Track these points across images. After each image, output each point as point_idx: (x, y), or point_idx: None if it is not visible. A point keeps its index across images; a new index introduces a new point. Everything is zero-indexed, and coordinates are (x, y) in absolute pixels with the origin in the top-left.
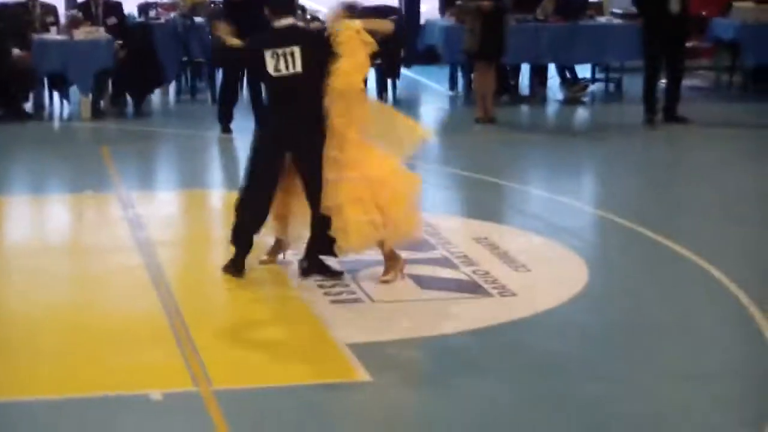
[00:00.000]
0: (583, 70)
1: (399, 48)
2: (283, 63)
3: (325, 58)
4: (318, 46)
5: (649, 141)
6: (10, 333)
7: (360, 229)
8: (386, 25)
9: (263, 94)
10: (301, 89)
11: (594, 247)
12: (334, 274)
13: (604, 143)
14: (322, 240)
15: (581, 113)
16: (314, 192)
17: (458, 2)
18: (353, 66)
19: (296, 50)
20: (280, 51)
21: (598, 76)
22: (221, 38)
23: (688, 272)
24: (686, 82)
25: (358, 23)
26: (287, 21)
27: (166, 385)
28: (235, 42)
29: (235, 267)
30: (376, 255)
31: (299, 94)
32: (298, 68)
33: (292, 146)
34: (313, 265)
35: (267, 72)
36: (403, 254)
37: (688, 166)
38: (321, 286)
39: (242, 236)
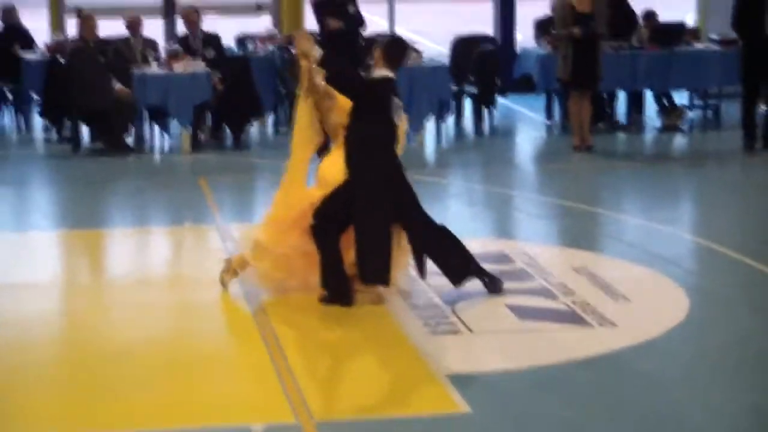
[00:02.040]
0: (681, 97)
1: (494, 77)
2: (397, 111)
3: None
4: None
5: (749, 167)
6: (110, 365)
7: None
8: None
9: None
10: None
11: (694, 276)
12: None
13: (702, 170)
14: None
15: (679, 140)
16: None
17: (552, 30)
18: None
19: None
20: (397, 101)
21: (695, 102)
22: (307, 53)
23: None
24: None
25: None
26: (391, 74)
27: (267, 418)
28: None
29: (340, 297)
30: (476, 286)
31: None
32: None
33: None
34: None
35: (393, 119)
36: (505, 285)
37: None
38: (420, 317)
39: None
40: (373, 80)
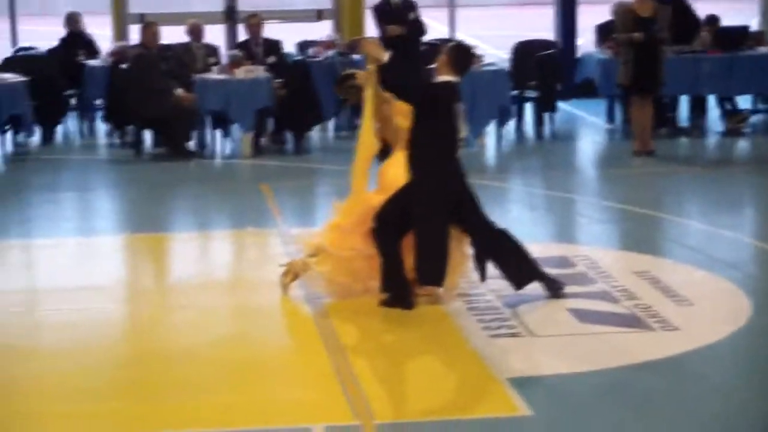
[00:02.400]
0: (744, 101)
1: (556, 81)
2: (461, 119)
3: None
4: None
5: None
6: (174, 367)
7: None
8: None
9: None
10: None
11: (757, 281)
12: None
13: (765, 175)
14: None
15: (742, 145)
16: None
17: (614, 35)
18: None
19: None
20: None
21: (759, 106)
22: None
23: None
24: None
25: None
26: (456, 79)
27: (329, 419)
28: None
29: (401, 300)
30: (536, 289)
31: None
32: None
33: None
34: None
35: (454, 124)
36: (566, 288)
37: None
38: (481, 321)
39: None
40: (434, 85)
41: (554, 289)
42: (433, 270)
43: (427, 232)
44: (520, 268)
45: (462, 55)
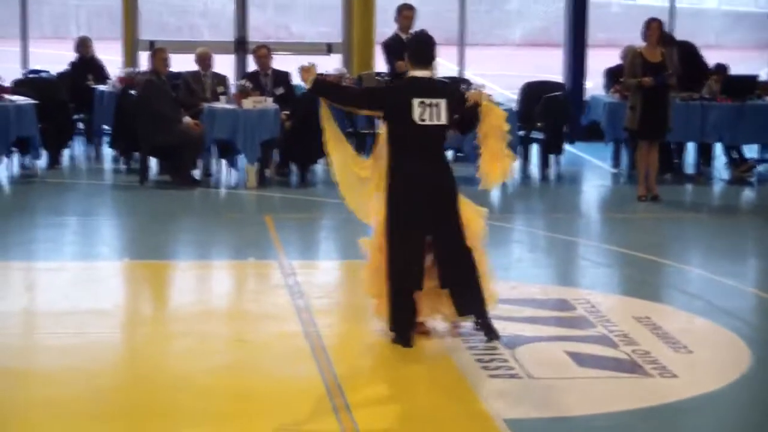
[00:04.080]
0: (750, 150)
1: (563, 123)
2: (428, 113)
3: (460, 114)
4: (458, 102)
5: None
6: (173, 396)
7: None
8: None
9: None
10: (439, 139)
11: (757, 330)
12: (493, 337)
13: None
14: (472, 296)
15: (747, 194)
16: (456, 239)
17: (622, 79)
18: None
19: (442, 103)
20: (427, 101)
21: (765, 156)
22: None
23: None
24: None
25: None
26: (426, 73)
27: None
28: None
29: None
30: (535, 331)
31: (437, 143)
32: (442, 120)
33: (429, 192)
34: (483, 324)
35: (411, 119)
36: (563, 331)
37: None
38: (479, 360)
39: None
40: (383, 87)
41: (489, 334)
42: (400, 324)
43: (395, 261)
44: (472, 297)
45: (416, 45)
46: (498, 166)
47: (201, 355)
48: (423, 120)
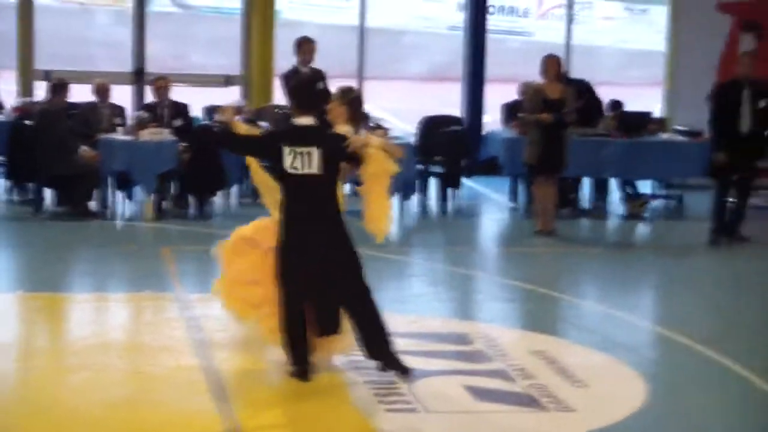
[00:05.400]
0: (644, 186)
1: (461, 158)
2: (300, 161)
3: (341, 162)
4: (336, 150)
5: (710, 258)
6: (64, 429)
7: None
8: (399, 151)
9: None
10: (316, 187)
11: (652, 365)
12: (405, 372)
13: (663, 259)
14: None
15: (642, 228)
16: (349, 290)
17: (520, 114)
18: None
19: (314, 151)
20: (298, 150)
21: (659, 192)
22: (227, 122)
23: (750, 395)
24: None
25: (378, 142)
26: (307, 120)
27: None
28: (242, 128)
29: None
30: (434, 365)
31: (314, 191)
32: (314, 169)
33: (309, 240)
34: (388, 363)
35: (282, 167)
36: (461, 365)
37: (749, 285)
38: (376, 395)
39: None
40: (261, 135)
41: (403, 371)
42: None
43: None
44: (378, 341)
45: (297, 92)
46: (381, 222)
47: (97, 388)
48: (295, 168)
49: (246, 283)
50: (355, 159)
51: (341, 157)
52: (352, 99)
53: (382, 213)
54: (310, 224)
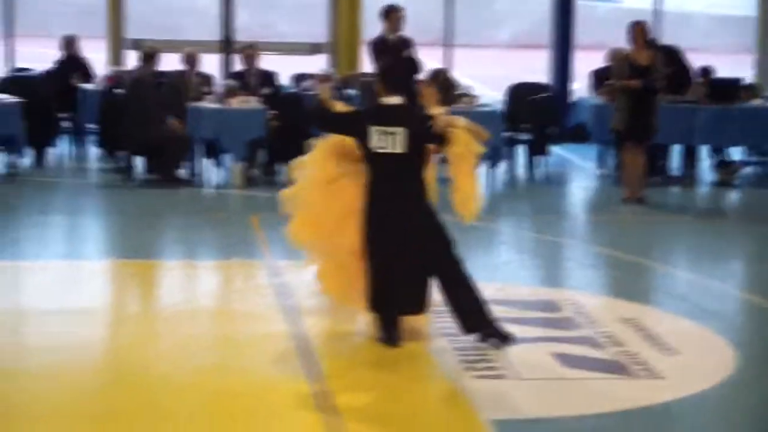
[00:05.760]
0: (736, 153)
1: (549, 125)
2: (386, 141)
3: (426, 142)
4: (422, 130)
5: None
6: (158, 396)
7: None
8: (484, 133)
9: None
10: (402, 166)
11: (743, 332)
12: (507, 338)
13: (755, 227)
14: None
15: (732, 196)
16: (439, 264)
17: (609, 81)
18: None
19: (400, 131)
20: (385, 129)
21: (750, 158)
22: (322, 99)
23: None
24: None
25: (463, 123)
26: (395, 100)
27: None
28: (337, 106)
29: (389, 337)
30: (522, 332)
31: (399, 170)
32: (399, 148)
33: (393, 216)
34: (488, 332)
35: (368, 146)
36: (549, 332)
37: None
38: (464, 361)
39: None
40: (349, 114)
41: (503, 339)
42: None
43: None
44: (474, 312)
45: (387, 74)
46: (469, 203)
47: (187, 354)
48: (381, 148)
49: (340, 267)
50: (440, 139)
51: (426, 138)
52: (442, 81)
53: (469, 194)
54: (395, 202)
